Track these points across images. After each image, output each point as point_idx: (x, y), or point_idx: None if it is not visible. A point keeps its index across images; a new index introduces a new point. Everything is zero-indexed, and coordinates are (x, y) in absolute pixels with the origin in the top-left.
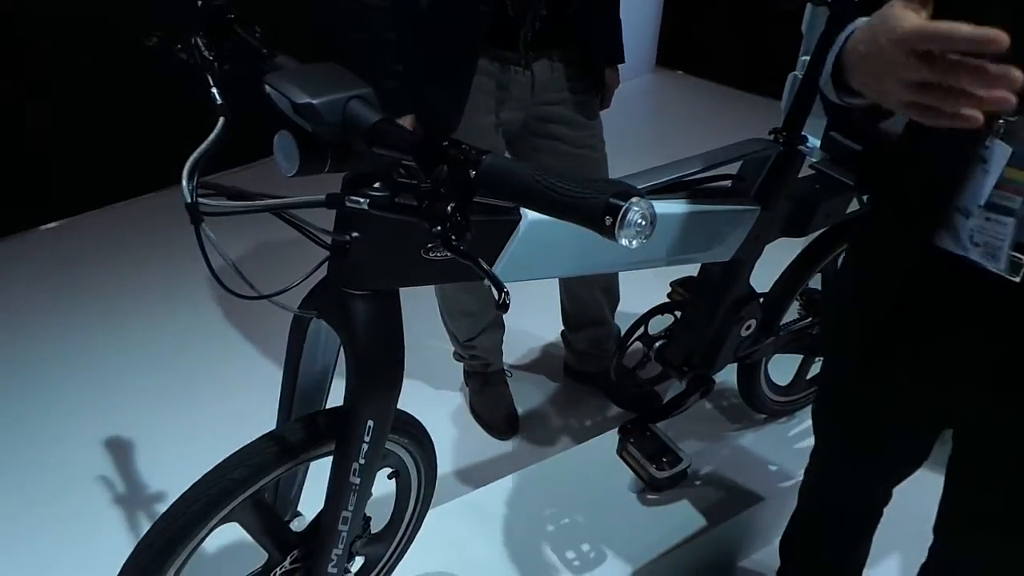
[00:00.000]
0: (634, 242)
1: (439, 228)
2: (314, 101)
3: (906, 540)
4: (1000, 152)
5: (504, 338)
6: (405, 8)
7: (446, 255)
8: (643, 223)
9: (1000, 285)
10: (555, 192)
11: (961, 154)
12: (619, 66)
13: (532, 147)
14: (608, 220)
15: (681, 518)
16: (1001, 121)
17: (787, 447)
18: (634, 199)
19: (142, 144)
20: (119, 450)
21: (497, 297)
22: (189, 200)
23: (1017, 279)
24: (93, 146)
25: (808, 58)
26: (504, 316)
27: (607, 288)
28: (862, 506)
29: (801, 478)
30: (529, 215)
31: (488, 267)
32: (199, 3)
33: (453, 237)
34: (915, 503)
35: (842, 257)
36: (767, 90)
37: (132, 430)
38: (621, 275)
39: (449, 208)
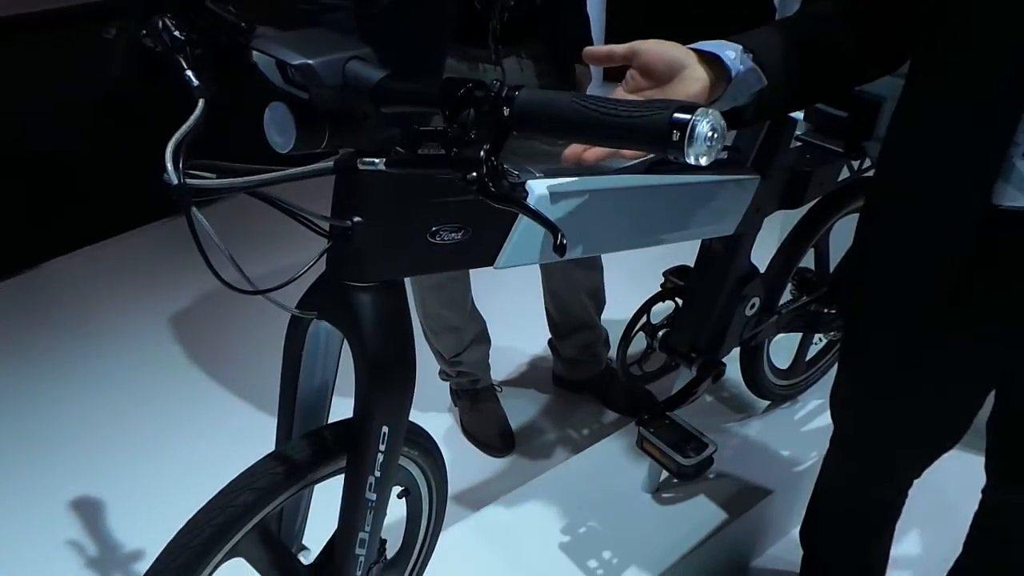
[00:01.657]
0: (703, 159)
1: (474, 175)
2: (311, 61)
3: (927, 514)
4: None
5: (490, 353)
6: (367, 6)
7: (454, 239)
8: (713, 135)
9: None
10: (609, 115)
11: (1008, 94)
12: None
13: (506, 148)
14: (676, 136)
15: (698, 515)
16: None
17: (796, 432)
18: (700, 110)
19: (83, 194)
20: (91, 508)
21: (554, 240)
22: (176, 181)
23: None
24: (30, 200)
25: None
26: (489, 330)
27: (593, 291)
28: (890, 487)
29: (812, 462)
30: (536, 192)
31: (536, 210)
32: None
33: (490, 183)
34: (934, 476)
35: (856, 230)
36: None
37: (103, 484)
38: (606, 279)
39: (482, 152)
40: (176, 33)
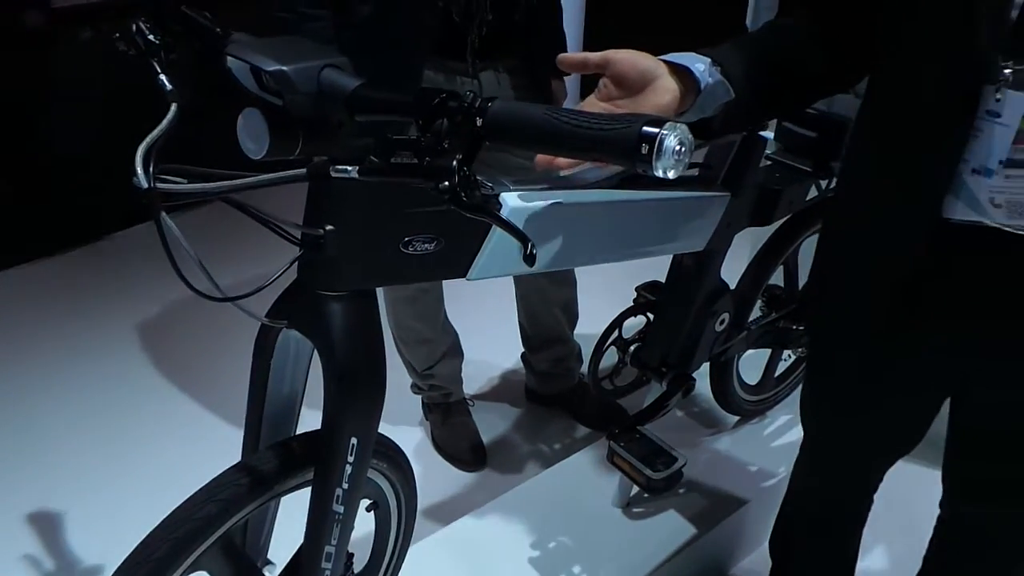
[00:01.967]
0: (671, 172)
1: (446, 184)
2: (286, 68)
3: (892, 529)
4: (1016, 102)
5: (463, 366)
6: (346, 17)
7: (427, 250)
8: (681, 149)
9: (1016, 248)
10: (580, 128)
11: (959, 111)
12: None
13: (480, 160)
14: (644, 149)
15: (669, 529)
16: (1008, 71)
17: (765, 447)
18: (668, 124)
19: (48, 203)
20: (50, 521)
21: (524, 249)
22: (146, 185)
23: None
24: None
25: None
26: (462, 342)
27: (565, 305)
28: (857, 493)
29: (781, 476)
30: (509, 204)
31: (508, 220)
32: None
33: (462, 193)
34: (899, 492)
35: (818, 240)
36: None
37: (59, 499)
38: (579, 293)
39: (455, 162)
40: (150, 37)
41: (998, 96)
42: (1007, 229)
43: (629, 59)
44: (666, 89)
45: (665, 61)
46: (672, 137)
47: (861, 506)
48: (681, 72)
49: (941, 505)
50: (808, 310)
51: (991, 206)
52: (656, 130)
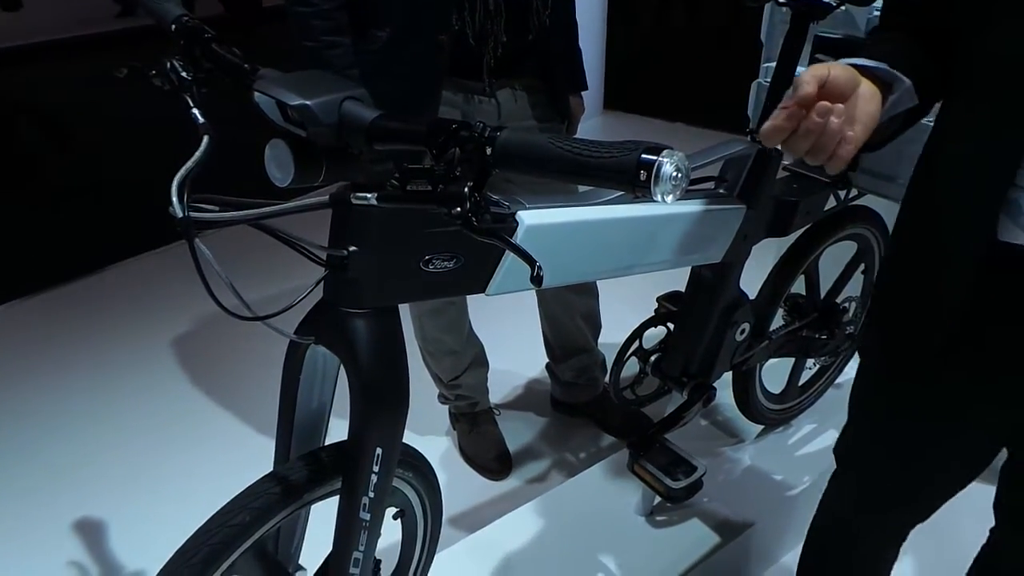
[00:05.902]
0: (669, 197)
1: (458, 210)
2: (309, 102)
3: (931, 542)
4: None
5: (488, 376)
6: (366, 43)
7: (446, 267)
8: (678, 175)
9: None
10: (583, 156)
11: (1011, 136)
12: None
13: (503, 178)
14: (643, 175)
15: (693, 538)
16: None
17: (790, 456)
18: (666, 151)
19: (90, 222)
20: (92, 530)
21: (531, 271)
22: (181, 214)
23: None
24: (39, 227)
25: (770, 65)
26: (487, 353)
27: (588, 315)
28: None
29: (806, 485)
30: (525, 222)
31: (515, 243)
32: (172, 28)
33: (473, 218)
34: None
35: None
36: (707, 122)
37: (98, 508)
38: (602, 303)
39: (466, 189)
40: (183, 73)
41: None
42: None
43: (842, 76)
44: (872, 95)
45: (853, 65)
46: (669, 164)
47: (902, 530)
48: (870, 75)
49: (992, 531)
50: (861, 337)
51: None
52: (654, 157)
